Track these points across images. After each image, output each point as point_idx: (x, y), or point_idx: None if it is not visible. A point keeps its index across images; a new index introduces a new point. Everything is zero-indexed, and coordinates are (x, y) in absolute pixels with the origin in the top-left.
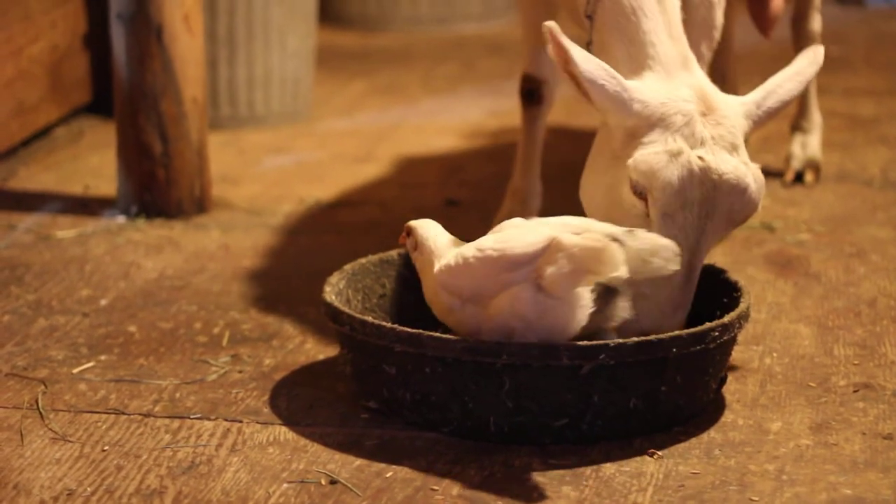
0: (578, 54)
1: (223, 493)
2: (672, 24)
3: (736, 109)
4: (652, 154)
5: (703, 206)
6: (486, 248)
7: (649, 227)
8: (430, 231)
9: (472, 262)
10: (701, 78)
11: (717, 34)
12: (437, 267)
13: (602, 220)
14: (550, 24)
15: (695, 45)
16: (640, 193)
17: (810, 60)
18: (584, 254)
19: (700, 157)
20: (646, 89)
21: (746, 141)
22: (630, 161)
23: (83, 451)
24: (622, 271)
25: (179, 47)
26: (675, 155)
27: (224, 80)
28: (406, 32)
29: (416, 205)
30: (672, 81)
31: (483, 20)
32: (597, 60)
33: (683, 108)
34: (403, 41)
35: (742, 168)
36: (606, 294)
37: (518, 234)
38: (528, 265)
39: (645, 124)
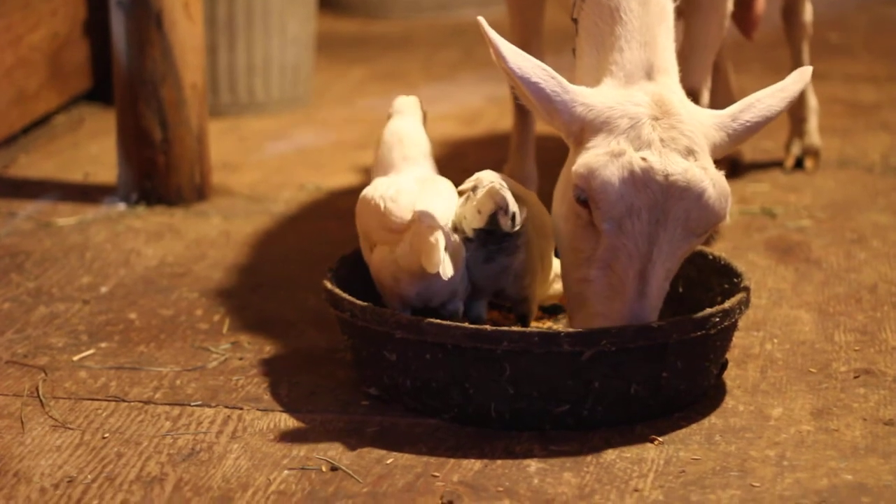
0: (508, 50)
1: (224, 480)
2: (649, 29)
3: (701, 118)
4: (592, 156)
5: (652, 211)
6: (377, 196)
7: (600, 240)
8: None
9: (372, 205)
10: (665, 87)
11: (727, 22)
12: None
13: (559, 235)
14: (479, 18)
15: (703, 34)
16: (584, 201)
17: (796, 79)
18: (418, 245)
19: (643, 158)
20: (592, 93)
21: (720, 154)
22: (573, 167)
23: (83, 438)
24: (442, 272)
25: (179, 34)
26: (615, 156)
27: (224, 67)
28: (406, 19)
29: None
30: (629, 88)
31: (483, 6)
32: (533, 59)
33: (631, 111)
34: (403, 28)
35: (695, 171)
36: (495, 240)
37: (404, 195)
38: (397, 232)
39: (590, 128)
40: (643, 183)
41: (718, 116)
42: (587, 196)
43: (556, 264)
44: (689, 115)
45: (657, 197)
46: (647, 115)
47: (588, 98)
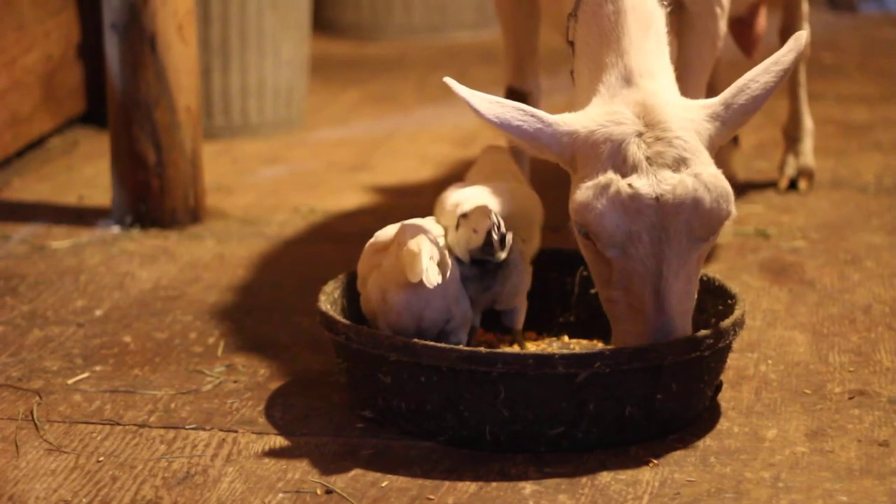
0: (481, 102)
1: None
2: (626, 36)
3: (690, 115)
4: (582, 191)
5: (652, 232)
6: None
7: (611, 264)
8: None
9: (365, 247)
10: (647, 90)
11: (721, 43)
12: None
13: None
14: (447, 79)
15: (695, 55)
16: (586, 234)
17: (790, 48)
18: (403, 255)
19: (629, 185)
20: (575, 119)
21: (720, 142)
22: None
23: (78, 462)
24: (425, 279)
25: (173, 56)
26: (602, 188)
27: (218, 89)
28: (399, 41)
29: (411, 213)
30: (612, 102)
31: (476, 28)
32: (509, 102)
33: (613, 133)
34: (397, 49)
35: (686, 183)
36: (490, 271)
37: (389, 226)
38: (383, 249)
39: (580, 156)
40: (635, 210)
41: (709, 107)
42: (586, 230)
43: None
44: (676, 117)
45: (653, 219)
46: (631, 133)
47: (571, 125)
